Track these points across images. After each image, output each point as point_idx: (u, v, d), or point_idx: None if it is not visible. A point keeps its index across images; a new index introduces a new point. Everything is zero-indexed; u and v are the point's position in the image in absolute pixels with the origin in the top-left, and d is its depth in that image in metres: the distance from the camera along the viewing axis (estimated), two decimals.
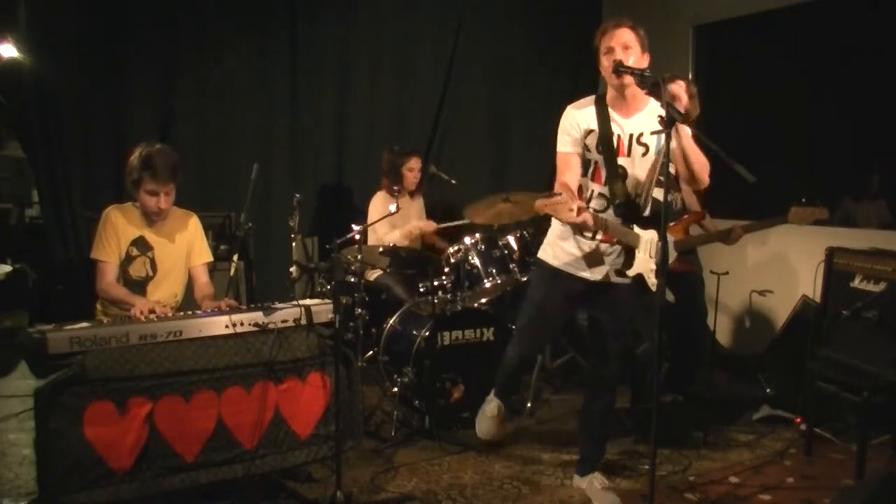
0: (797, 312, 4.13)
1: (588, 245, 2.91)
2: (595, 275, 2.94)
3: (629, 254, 2.88)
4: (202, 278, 3.35)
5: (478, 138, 5.75)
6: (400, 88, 5.49)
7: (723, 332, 5.19)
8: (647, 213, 2.92)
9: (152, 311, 2.86)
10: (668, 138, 2.56)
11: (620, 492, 3.12)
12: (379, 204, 4.63)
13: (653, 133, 2.84)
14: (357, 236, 3.83)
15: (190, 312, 2.94)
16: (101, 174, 4.54)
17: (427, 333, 3.72)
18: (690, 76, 5.62)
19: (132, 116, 4.61)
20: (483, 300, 4.14)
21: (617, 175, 2.84)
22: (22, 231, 6.10)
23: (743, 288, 4.85)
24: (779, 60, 5.07)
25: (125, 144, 4.51)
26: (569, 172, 2.86)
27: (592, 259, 2.92)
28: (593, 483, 3.13)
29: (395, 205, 4.14)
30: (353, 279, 3.97)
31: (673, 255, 3.63)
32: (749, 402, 4.23)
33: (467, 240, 4.25)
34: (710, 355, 4.90)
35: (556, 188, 2.72)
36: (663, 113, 2.73)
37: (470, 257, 4.21)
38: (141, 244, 3.23)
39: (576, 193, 2.84)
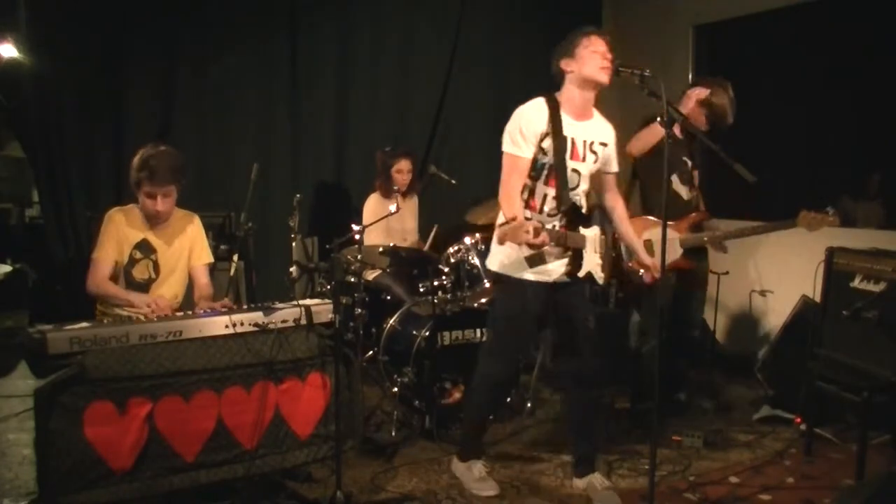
0: (797, 312, 4.13)
1: (546, 253, 2.90)
2: (552, 276, 2.96)
3: (577, 255, 2.91)
4: (202, 279, 3.35)
5: (478, 138, 5.75)
6: (400, 88, 5.49)
7: (723, 332, 5.19)
8: (585, 211, 3.00)
9: (156, 304, 2.90)
10: (668, 138, 2.58)
11: (620, 492, 3.12)
12: (373, 205, 4.63)
13: (601, 144, 2.97)
14: (357, 236, 3.83)
15: (190, 312, 2.94)
16: (101, 174, 4.54)
17: (427, 333, 3.72)
18: (690, 76, 5.63)
19: (132, 116, 4.62)
20: (483, 300, 4.14)
21: (567, 180, 2.88)
22: (22, 231, 6.10)
23: (743, 288, 4.86)
24: (779, 60, 5.07)
25: (125, 144, 4.53)
26: (516, 177, 2.87)
27: (543, 261, 2.93)
28: (593, 483, 3.12)
29: (396, 205, 4.14)
30: (353, 279, 3.97)
31: (678, 253, 3.66)
32: (749, 402, 4.24)
33: (467, 240, 4.25)
34: (710, 355, 4.90)
35: (508, 211, 2.75)
36: (606, 128, 3.00)
37: (470, 257, 4.21)
38: (144, 247, 3.22)
39: (519, 200, 2.90)
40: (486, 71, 5.73)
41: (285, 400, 2.82)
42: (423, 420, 3.76)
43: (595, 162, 2.97)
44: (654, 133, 3.60)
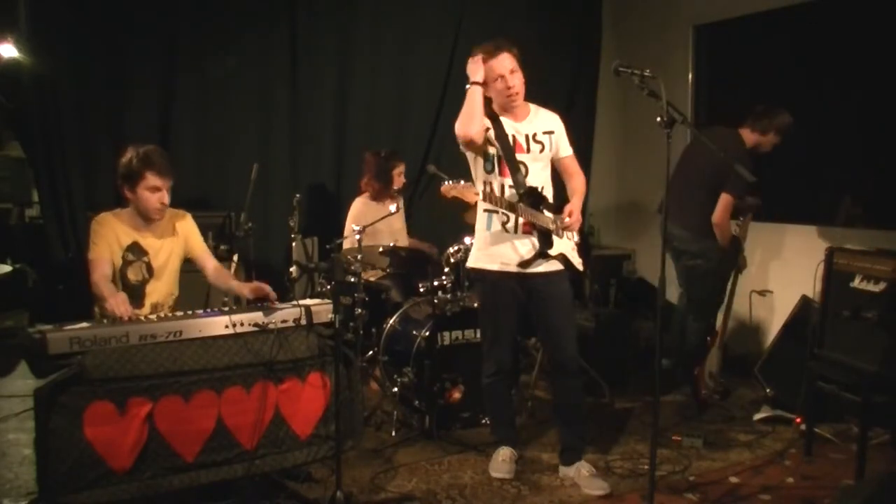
0: (797, 312, 4.14)
1: (512, 241, 3.11)
2: (527, 267, 3.10)
3: (545, 235, 3.09)
4: (211, 263, 3.31)
5: None
6: (400, 88, 5.49)
7: None
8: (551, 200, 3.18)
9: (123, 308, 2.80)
10: (668, 138, 2.60)
11: (620, 492, 3.13)
12: (360, 208, 4.55)
13: (545, 133, 3.15)
14: (357, 237, 3.82)
15: (190, 312, 2.94)
16: (101, 174, 4.54)
17: (427, 333, 3.72)
18: (690, 76, 5.63)
19: (132, 117, 4.62)
20: None
21: (518, 168, 3.09)
22: (22, 231, 6.09)
23: (743, 288, 4.84)
24: (779, 60, 5.07)
25: (125, 144, 4.51)
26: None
27: (519, 252, 3.12)
28: (580, 470, 3.21)
29: (396, 205, 4.14)
30: (353, 279, 3.97)
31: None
32: (749, 402, 4.24)
33: (467, 240, 4.24)
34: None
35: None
36: (548, 117, 3.19)
37: None
38: (136, 250, 3.20)
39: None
40: None
41: (285, 400, 2.81)
42: (423, 420, 3.76)
43: (542, 151, 3.15)
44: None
